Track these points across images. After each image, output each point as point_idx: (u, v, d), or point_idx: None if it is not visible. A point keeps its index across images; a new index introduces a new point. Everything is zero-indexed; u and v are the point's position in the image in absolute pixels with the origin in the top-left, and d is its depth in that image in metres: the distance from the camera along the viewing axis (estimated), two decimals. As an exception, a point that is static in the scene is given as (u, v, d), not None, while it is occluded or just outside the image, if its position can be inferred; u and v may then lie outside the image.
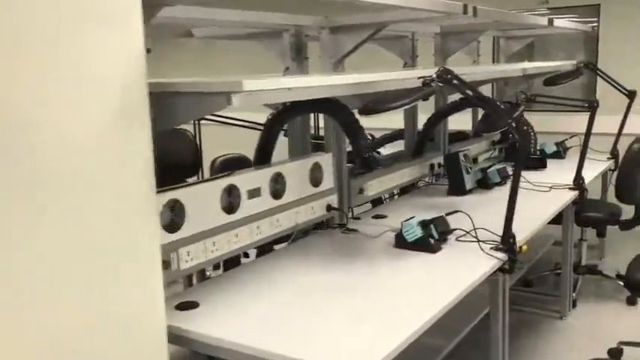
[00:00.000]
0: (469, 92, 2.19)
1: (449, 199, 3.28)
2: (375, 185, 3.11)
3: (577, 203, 3.38)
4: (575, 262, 4.10)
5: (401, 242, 2.41)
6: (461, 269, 2.22)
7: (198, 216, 2.07)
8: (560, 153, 4.44)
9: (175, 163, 4.47)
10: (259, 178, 2.34)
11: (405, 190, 3.58)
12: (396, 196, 3.59)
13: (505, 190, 3.41)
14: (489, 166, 3.53)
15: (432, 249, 2.35)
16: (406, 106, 2.00)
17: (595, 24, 5.33)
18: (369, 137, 4.69)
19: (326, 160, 2.72)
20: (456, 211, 2.51)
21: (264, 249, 2.55)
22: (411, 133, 3.79)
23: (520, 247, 2.47)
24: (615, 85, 4.23)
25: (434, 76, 2.04)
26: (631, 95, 4.22)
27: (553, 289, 3.98)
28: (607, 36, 5.37)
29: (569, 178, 3.48)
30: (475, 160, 4.21)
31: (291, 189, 2.50)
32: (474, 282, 2.13)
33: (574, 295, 3.78)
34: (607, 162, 4.19)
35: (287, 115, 2.49)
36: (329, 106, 2.30)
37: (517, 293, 3.84)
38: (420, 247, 2.36)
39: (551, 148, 4.47)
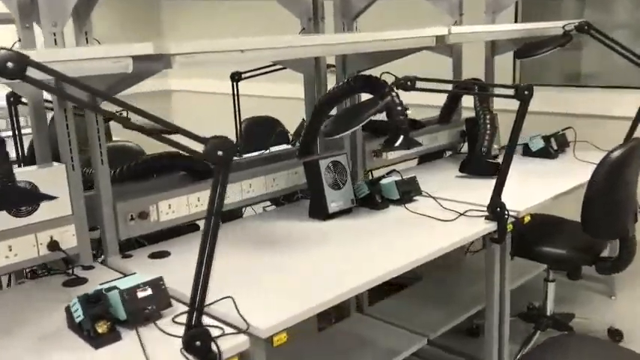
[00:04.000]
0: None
1: (301, 226, 2.29)
2: (180, 205, 2.21)
3: (496, 240, 2.25)
4: (537, 309, 2.95)
5: (73, 323, 1.53)
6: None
7: None
8: (547, 151, 3.21)
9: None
10: None
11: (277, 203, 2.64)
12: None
13: (402, 212, 2.40)
14: (380, 177, 2.48)
15: (94, 342, 1.45)
16: None
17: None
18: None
19: (53, 174, 1.88)
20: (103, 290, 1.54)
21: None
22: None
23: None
24: (627, 54, 2.92)
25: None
26: (652, 70, 2.89)
27: (510, 341, 2.86)
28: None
29: (531, 192, 2.43)
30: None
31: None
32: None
33: (517, 362, 2.66)
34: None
35: None
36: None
37: (437, 353, 2.79)
38: (85, 335, 1.47)
39: (538, 144, 3.25)
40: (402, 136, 2.30)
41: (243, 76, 3.57)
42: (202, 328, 1.34)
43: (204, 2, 6.43)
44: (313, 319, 2.81)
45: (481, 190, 2.64)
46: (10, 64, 1.12)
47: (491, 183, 2.73)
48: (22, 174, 1.81)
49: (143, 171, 2.37)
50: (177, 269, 1.92)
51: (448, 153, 3.54)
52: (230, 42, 1.65)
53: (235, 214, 2.48)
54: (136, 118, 1.64)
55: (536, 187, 2.65)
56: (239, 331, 1.49)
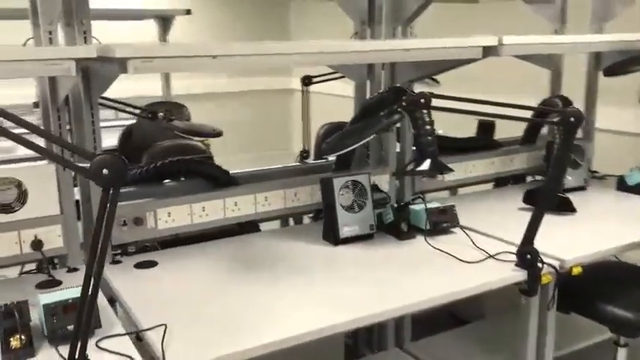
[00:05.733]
0: None
1: (306, 250, 2.08)
2: (181, 214, 2.11)
3: (526, 293, 1.88)
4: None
5: None
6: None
7: None
8: (645, 187, 2.68)
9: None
10: None
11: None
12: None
13: (425, 246, 2.11)
14: (407, 203, 2.19)
15: (3, 355, 1.38)
16: None
17: None
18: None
19: (42, 173, 1.86)
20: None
21: None
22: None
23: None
24: None
25: None
26: None
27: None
28: None
29: (598, 237, 2.14)
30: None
31: None
32: None
33: None
34: None
35: None
36: None
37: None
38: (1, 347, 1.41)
39: (636, 178, 2.73)
40: (428, 160, 2.01)
41: (313, 80, 3.43)
42: (84, 363, 1.21)
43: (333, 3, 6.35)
44: (340, 348, 2.60)
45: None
46: None
47: (556, 221, 2.35)
48: (10, 171, 1.82)
49: (159, 174, 2.32)
50: (150, 285, 1.82)
51: (538, 177, 3.12)
52: (186, 47, 1.50)
53: (248, 227, 2.34)
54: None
55: (609, 231, 2.21)
56: (149, 367, 1.35)
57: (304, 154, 3.43)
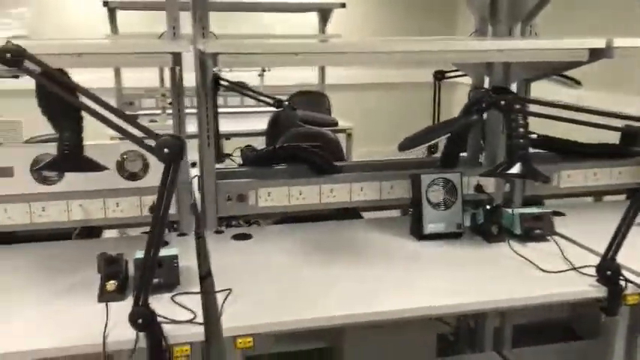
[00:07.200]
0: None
1: (390, 241, 2.15)
2: (280, 195, 2.29)
3: (606, 311, 1.76)
4: None
5: (105, 275, 1.78)
6: None
7: None
8: None
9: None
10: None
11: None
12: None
13: (505, 250, 2.08)
14: (499, 206, 2.14)
15: (99, 296, 1.66)
16: None
17: None
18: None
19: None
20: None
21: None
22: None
23: None
24: None
25: None
26: None
27: None
28: None
29: None
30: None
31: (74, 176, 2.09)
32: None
33: None
34: None
35: None
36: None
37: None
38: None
39: None
40: (519, 164, 1.97)
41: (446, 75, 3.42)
42: (144, 309, 1.44)
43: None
44: (432, 340, 2.62)
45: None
46: (8, 55, 1.37)
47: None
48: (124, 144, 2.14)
49: (277, 157, 2.53)
50: (237, 254, 2.03)
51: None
52: (268, 44, 1.66)
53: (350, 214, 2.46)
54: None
55: None
56: (205, 322, 1.54)
57: (431, 149, 3.45)
